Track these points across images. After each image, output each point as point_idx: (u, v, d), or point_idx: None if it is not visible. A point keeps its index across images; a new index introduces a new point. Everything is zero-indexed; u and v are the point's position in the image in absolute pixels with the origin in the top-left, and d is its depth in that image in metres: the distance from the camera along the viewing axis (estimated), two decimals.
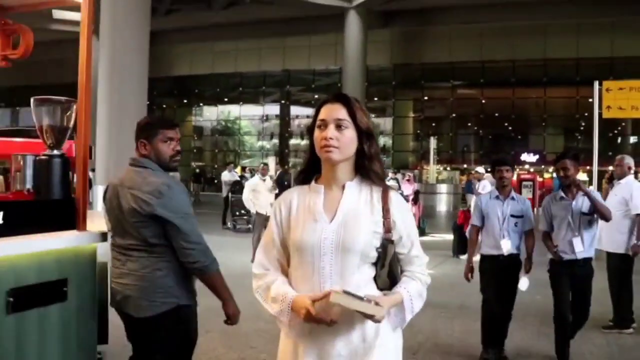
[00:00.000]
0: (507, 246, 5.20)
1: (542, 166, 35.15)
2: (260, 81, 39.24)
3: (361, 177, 2.22)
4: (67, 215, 3.23)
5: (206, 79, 39.27)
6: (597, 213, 5.13)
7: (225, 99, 41.26)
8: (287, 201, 2.27)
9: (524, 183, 26.14)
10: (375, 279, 2.18)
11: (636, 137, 35.70)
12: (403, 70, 35.19)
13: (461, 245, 11.71)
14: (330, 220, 2.17)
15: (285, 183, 20.72)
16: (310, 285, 2.13)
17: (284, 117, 41.35)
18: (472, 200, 20.34)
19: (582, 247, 5.12)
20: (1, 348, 2.78)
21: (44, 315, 3.00)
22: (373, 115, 31.54)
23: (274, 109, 41.82)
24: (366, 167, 2.19)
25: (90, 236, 3.29)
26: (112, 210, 3.18)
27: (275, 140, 42.86)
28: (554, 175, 29.77)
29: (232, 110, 42.42)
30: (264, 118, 41.88)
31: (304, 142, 43.12)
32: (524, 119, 35.95)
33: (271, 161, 28.81)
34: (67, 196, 3.32)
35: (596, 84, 12.11)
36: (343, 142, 2.14)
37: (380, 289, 2.18)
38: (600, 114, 12.10)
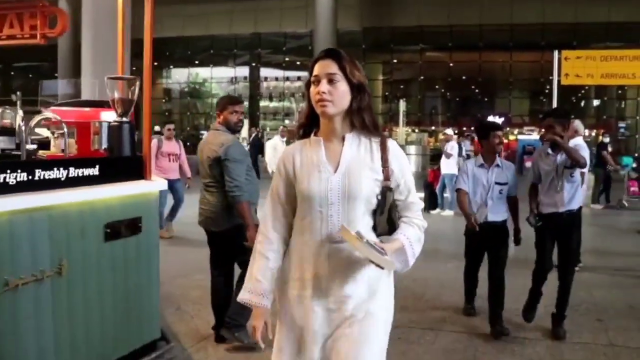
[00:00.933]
0: (484, 214, 5.18)
1: (508, 128, 36.61)
2: (232, 44, 39.69)
3: (359, 129, 2.34)
4: (137, 168, 4.21)
5: (177, 42, 39.56)
6: (571, 161, 5.11)
7: (196, 62, 41.62)
8: (290, 156, 2.39)
9: None
10: (374, 224, 2.33)
11: (599, 100, 37.32)
12: (373, 34, 36.05)
13: (431, 200, 12.91)
14: (334, 171, 2.30)
15: (258, 144, 21.76)
16: (318, 232, 2.29)
17: (254, 80, 41.96)
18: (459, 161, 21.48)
19: (564, 199, 5.19)
20: (101, 267, 3.78)
21: (126, 244, 3.99)
22: None
23: (244, 72, 42.37)
24: (359, 119, 2.32)
25: (154, 184, 4.28)
26: (200, 160, 4.63)
27: (245, 103, 43.40)
28: (519, 137, 31.29)
29: (202, 73, 42.82)
30: (234, 80, 42.36)
31: (274, 104, 43.99)
32: (491, 82, 37.33)
33: (245, 126, 29.50)
34: (135, 154, 4.28)
35: (556, 52, 13.28)
36: (336, 95, 2.25)
37: (379, 234, 2.33)
38: (559, 81, 13.29)
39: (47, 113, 4.35)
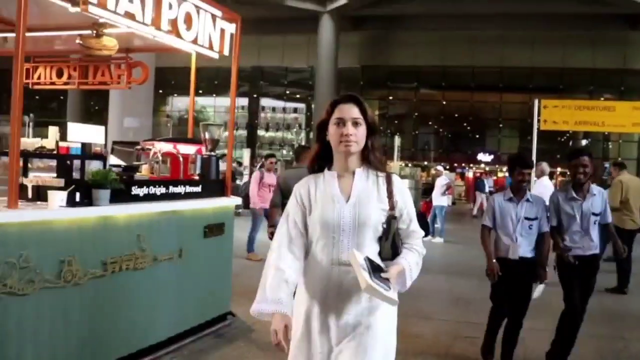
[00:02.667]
0: (517, 251, 5.06)
1: (497, 165, 38.70)
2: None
3: (368, 165, 2.67)
4: (221, 188, 6.08)
5: (183, 71, 41.56)
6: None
7: (200, 91, 43.57)
8: (306, 187, 2.70)
9: (479, 180, 29.49)
10: (379, 250, 2.61)
11: (585, 141, 39.36)
12: (370, 71, 38.33)
13: (423, 228, 14.76)
14: (347, 201, 2.60)
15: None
16: (330, 255, 2.59)
17: (253, 110, 44.04)
18: (482, 198, 23.20)
19: (590, 244, 5.19)
20: (200, 258, 5.58)
21: (216, 241, 5.82)
22: None
23: (243, 102, 44.44)
24: (371, 156, 2.66)
25: (232, 200, 6.14)
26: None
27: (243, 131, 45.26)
28: (507, 174, 33.27)
29: (205, 102, 44.79)
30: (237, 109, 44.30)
31: (270, 134, 46.06)
32: (481, 121, 39.55)
33: (245, 153, 31.22)
34: (219, 178, 6.15)
35: (536, 101, 15.25)
36: (359, 137, 2.60)
37: (384, 258, 2.60)
38: (538, 127, 15.27)
39: (160, 146, 6.16)
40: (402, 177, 34.01)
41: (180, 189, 5.37)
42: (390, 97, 39.86)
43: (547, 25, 31.88)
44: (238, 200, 6.33)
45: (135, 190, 4.78)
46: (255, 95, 43.07)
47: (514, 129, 39.54)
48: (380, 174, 2.67)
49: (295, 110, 46.86)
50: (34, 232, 3.81)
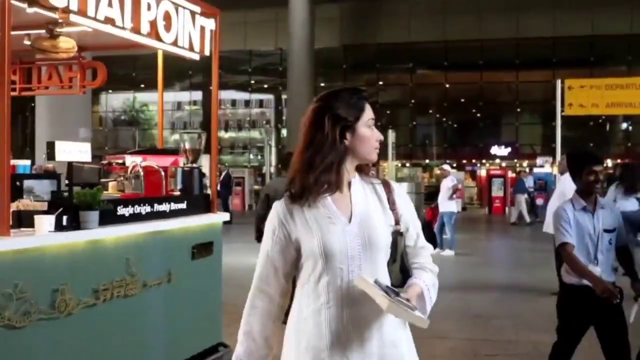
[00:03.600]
0: (598, 273, 4.96)
1: (515, 160, 39.79)
2: (185, 65, 42.39)
3: (360, 172, 2.72)
4: (207, 204, 6.86)
5: (119, 61, 42.14)
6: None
7: (142, 85, 44.14)
8: (286, 213, 2.65)
9: (494, 179, 30.55)
10: (388, 274, 2.65)
11: (628, 122, 40.26)
12: (354, 52, 39.31)
13: (430, 241, 15.61)
14: (349, 221, 2.60)
15: (228, 184, 24.42)
16: (340, 292, 2.56)
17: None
18: (522, 200, 23.88)
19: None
20: (189, 283, 6.36)
21: (204, 262, 6.60)
22: None
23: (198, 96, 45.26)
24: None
25: (220, 216, 6.93)
26: None
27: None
28: (522, 172, 34.29)
29: (148, 98, 45.37)
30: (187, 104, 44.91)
31: (230, 134, 46.77)
32: (495, 106, 40.66)
33: (204, 159, 31.94)
34: (203, 192, 6.93)
35: (558, 82, 16.27)
36: None
37: (393, 285, 2.60)
38: (562, 111, 16.27)
39: (133, 159, 6.91)
40: (399, 180, 34.86)
41: (165, 207, 6.15)
42: (381, 82, 40.83)
43: None
44: (226, 217, 7.11)
45: (121, 211, 5.55)
46: (212, 87, 43.76)
47: (536, 114, 40.58)
48: (375, 181, 2.75)
49: (260, 103, 47.72)
50: (27, 260, 4.56)
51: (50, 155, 5.75)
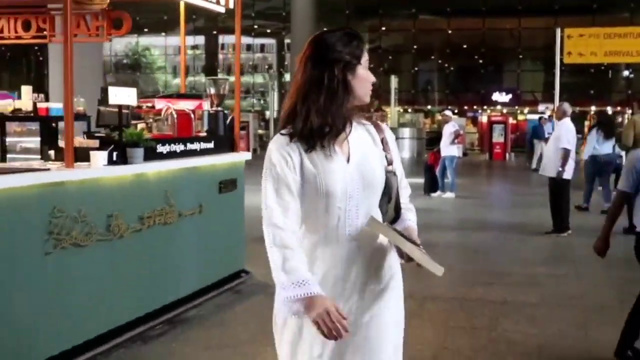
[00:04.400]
0: None
1: (516, 107, 40.48)
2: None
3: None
4: (231, 144, 7.64)
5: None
6: None
7: (145, 29, 44.60)
8: (287, 146, 2.63)
9: (495, 126, 31.29)
10: (382, 213, 2.75)
11: (629, 70, 40.88)
12: None
13: (432, 184, 16.47)
14: (347, 160, 2.65)
15: None
16: (335, 231, 2.63)
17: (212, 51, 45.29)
18: (541, 146, 24.27)
19: None
20: (217, 214, 7.16)
21: (229, 196, 7.40)
22: None
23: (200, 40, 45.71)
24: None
25: (241, 155, 7.72)
26: None
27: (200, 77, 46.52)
28: (528, 117, 35.08)
29: (152, 42, 45.85)
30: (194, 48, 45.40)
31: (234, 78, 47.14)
32: (496, 52, 41.22)
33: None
34: (227, 133, 7.70)
35: (558, 31, 16.90)
36: None
37: (388, 221, 2.75)
38: (561, 59, 16.93)
39: (164, 103, 7.65)
40: (402, 125, 35.63)
41: (196, 146, 6.93)
42: (383, 28, 41.35)
43: None
44: (248, 155, 7.89)
45: (160, 148, 6.32)
46: (214, 32, 44.26)
47: (537, 61, 41.15)
48: (366, 122, 2.77)
49: (262, 48, 48.24)
50: (87, 189, 5.35)
51: (104, 100, 6.44)
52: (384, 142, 2.75)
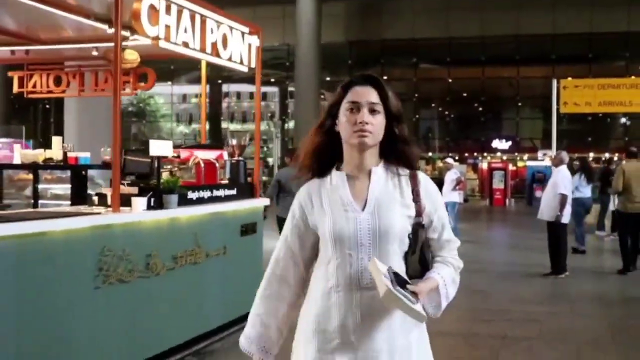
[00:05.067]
0: None
1: (516, 153, 41.25)
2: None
3: (387, 162, 2.74)
4: (251, 191, 8.32)
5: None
6: None
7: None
8: (307, 197, 2.78)
9: (495, 172, 32.03)
10: (406, 266, 2.68)
11: (626, 117, 41.62)
12: (360, 47, 40.79)
13: None
14: (362, 208, 2.66)
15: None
16: (347, 278, 2.64)
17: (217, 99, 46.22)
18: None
19: None
20: (239, 255, 7.82)
21: (250, 239, 8.06)
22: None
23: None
24: (401, 151, 2.73)
25: (260, 201, 8.40)
26: None
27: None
28: (528, 163, 35.80)
29: (157, 90, 46.81)
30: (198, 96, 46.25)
31: (235, 126, 48.22)
32: (496, 100, 42.17)
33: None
34: (247, 181, 8.38)
35: (554, 82, 17.72)
36: (376, 126, 2.64)
37: (410, 276, 2.65)
38: (558, 109, 17.70)
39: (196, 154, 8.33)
40: None
41: (221, 192, 7.60)
42: (385, 77, 41.66)
43: None
44: (266, 201, 8.56)
45: (190, 195, 7.00)
46: (219, 81, 45.20)
47: (536, 109, 42.05)
48: (402, 172, 2.73)
49: (265, 96, 49.15)
50: (130, 231, 6.01)
51: (146, 151, 7.11)
52: (414, 192, 2.71)
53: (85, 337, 5.45)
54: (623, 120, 41.13)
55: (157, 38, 6.35)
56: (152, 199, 6.41)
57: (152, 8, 6.26)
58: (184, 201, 6.81)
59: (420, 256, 2.70)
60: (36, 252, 5.01)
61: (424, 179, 2.76)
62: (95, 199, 6.65)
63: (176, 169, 8.41)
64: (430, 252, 2.77)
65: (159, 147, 6.67)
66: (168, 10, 6.49)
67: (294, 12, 34.20)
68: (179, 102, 49.74)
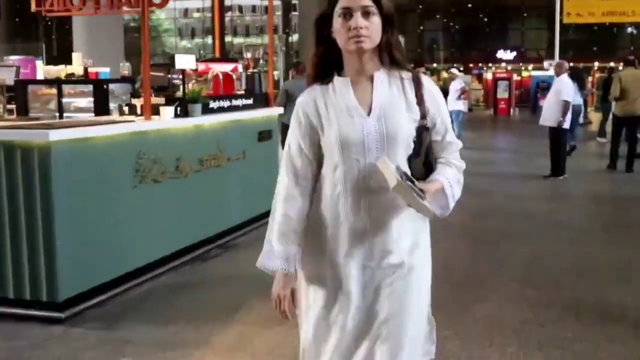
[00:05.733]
0: None
1: (520, 64, 41.58)
2: None
3: (388, 65, 2.71)
4: (266, 100, 8.94)
5: None
6: None
7: None
8: (311, 103, 2.75)
9: (500, 82, 32.50)
10: (410, 169, 2.68)
11: (632, 27, 41.88)
12: None
13: None
14: (368, 114, 2.66)
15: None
16: (355, 184, 2.65)
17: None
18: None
19: None
20: (257, 159, 8.48)
21: (266, 144, 8.72)
22: None
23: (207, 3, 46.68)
24: (389, 54, 2.69)
25: (274, 110, 9.03)
26: None
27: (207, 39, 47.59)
28: (532, 73, 36.22)
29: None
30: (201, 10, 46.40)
31: (239, 40, 48.36)
32: (501, 11, 42.25)
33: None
34: (262, 91, 8.99)
35: None
36: (372, 29, 2.60)
37: (416, 178, 2.64)
38: (561, 20, 18.09)
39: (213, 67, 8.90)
40: None
41: (239, 102, 8.22)
42: None
43: None
44: (280, 110, 9.18)
45: (212, 104, 7.62)
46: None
47: (541, 19, 42.11)
48: (405, 76, 2.73)
49: (266, 10, 49.20)
50: (160, 136, 6.66)
51: (172, 64, 7.70)
52: (418, 95, 2.71)
53: (125, 228, 6.17)
54: (629, 29, 41.29)
55: None
56: (179, 108, 7.04)
57: None
58: (206, 110, 7.43)
59: (424, 159, 2.73)
60: (85, 154, 5.70)
61: (427, 82, 2.76)
62: (126, 109, 7.28)
63: (194, 80, 9.02)
64: (434, 155, 2.78)
65: (184, 61, 7.25)
66: None
67: None
68: (181, 16, 49.80)
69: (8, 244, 5.42)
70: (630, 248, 7.63)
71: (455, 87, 17.89)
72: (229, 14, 49.27)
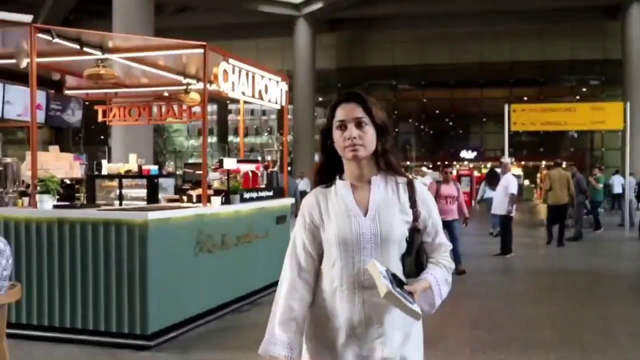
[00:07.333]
0: None
1: (480, 162, 43.70)
2: None
3: (384, 170, 2.72)
4: (281, 192, 10.56)
5: None
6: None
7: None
8: (315, 203, 2.79)
9: (463, 178, 34.35)
10: (402, 266, 2.67)
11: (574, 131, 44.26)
12: (347, 73, 43.23)
13: None
14: (364, 214, 2.66)
15: None
16: (350, 279, 2.64)
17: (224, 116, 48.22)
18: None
19: None
20: (274, 236, 10.04)
21: (280, 227, 10.29)
22: (318, 115, 38.84)
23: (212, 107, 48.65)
24: (385, 161, 2.70)
25: (288, 200, 10.66)
26: None
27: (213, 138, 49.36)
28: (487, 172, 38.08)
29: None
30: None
31: (245, 139, 49.94)
32: (463, 117, 44.74)
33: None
34: (278, 186, 10.62)
35: (506, 106, 19.98)
36: (366, 139, 2.63)
37: (407, 275, 2.65)
38: (509, 128, 19.96)
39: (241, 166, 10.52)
40: None
41: (263, 194, 9.84)
42: None
43: (525, 19, 36.78)
44: (292, 200, 10.80)
45: (245, 195, 9.23)
46: (227, 101, 47.19)
47: (497, 124, 44.19)
48: (400, 180, 2.74)
49: (264, 113, 51.22)
50: (212, 219, 8.23)
51: (194, 165, 9.22)
52: (411, 199, 2.71)
53: (190, 284, 7.67)
54: (570, 133, 43.66)
55: (225, 93, 8.60)
56: (223, 198, 8.64)
57: (225, 72, 8.50)
58: (241, 199, 9.03)
59: (415, 258, 2.71)
60: (168, 229, 7.25)
61: (419, 187, 2.77)
62: (185, 197, 8.86)
63: (225, 177, 10.59)
64: (425, 255, 2.76)
65: (229, 163, 8.89)
66: (233, 71, 8.73)
67: (291, 43, 36.41)
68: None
69: (114, 293, 6.92)
70: (554, 306, 9.20)
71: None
72: (231, 116, 51.04)
